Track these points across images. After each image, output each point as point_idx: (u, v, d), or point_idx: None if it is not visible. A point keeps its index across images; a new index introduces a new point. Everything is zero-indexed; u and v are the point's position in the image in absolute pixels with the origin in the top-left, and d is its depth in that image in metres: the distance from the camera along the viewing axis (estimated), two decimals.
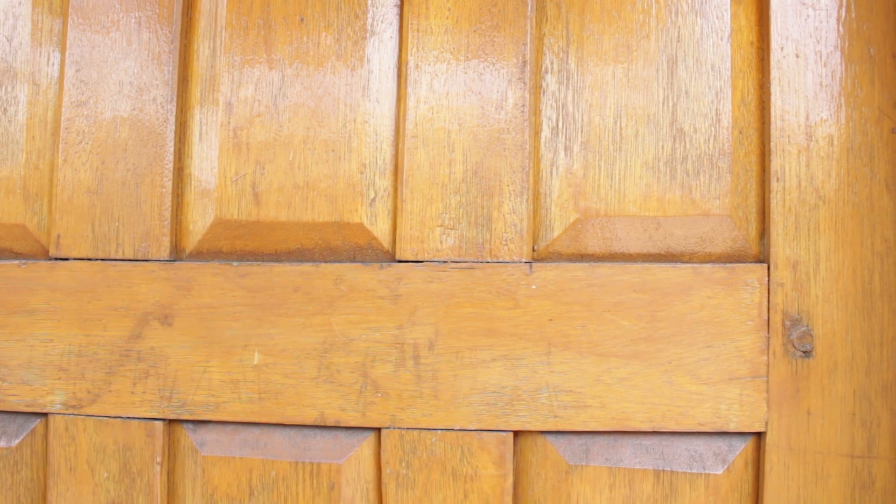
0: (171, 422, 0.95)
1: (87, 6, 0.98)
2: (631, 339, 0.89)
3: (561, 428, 0.89)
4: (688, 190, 0.91)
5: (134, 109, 0.96)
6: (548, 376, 0.89)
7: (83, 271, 0.95)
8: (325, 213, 0.94)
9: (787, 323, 0.88)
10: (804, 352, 0.87)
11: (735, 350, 0.88)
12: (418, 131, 0.92)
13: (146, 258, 0.95)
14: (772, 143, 0.89)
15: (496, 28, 0.92)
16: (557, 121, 0.93)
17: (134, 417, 0.94)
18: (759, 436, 0.89)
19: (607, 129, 0.92)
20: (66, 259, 0.96)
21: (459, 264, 0.91)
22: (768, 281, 0.88)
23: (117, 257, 0.95)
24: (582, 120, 0.93)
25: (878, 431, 0.87)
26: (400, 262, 0.92)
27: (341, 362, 0.91)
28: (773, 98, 0.89)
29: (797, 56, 0.89)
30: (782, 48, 0.89)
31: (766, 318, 0.88)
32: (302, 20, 0.96)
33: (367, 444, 0.93)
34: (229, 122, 0.96)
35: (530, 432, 0.91)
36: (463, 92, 0.92)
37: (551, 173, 0.93)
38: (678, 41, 0.92)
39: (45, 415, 0.97)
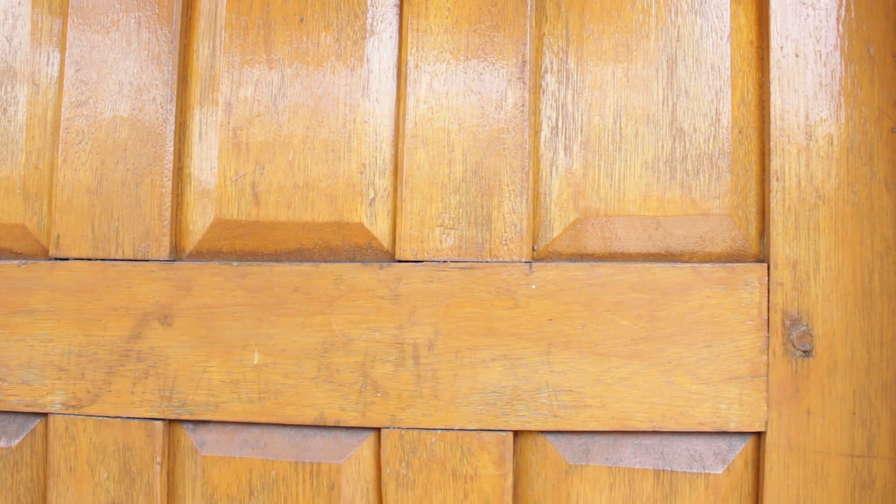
0: (170, 422, 0.95)
1: (87, 6, 0.98)
2: (631, 338, 0.89)
3: (561, 428, 0.89)
4: (687, 189, 0.91)
5: (134, 109, 0.96)
6: (548, 376, 0.89)
7: (83, 271, 0.95)
8: (324, 213, 0.94)
9: (787, 322, 0.88)
10: (804, 351, 0.87)
11: (735, 350, 0.88)
12: (418, 131, 0.92)
13: (146, 258, 0.95)
14: (771, 143, 0.88)
15: (496, 28, 0.92)
16: (557, 120, 0.93)
17: (134, 417, 0.94)
18: (759, 435, 0.89)
19: (607, 128, 0.92)
20: (66, 259, 0.96)
21: (459, 264, 0.91)
22: (768, 280, 0.88)
23: (117, 257, 0.96)
24: (581, 119, 0.93)
25: (877, 431, 0.87)
26: (400, 261, 0.92)
27: (341, 362, 0.91)
28: (772, 97, 0.89)
29: (797, 55, 0.89)
30: (782, 47, 0.89)
31: (766, 317, 0.88)
32: (301, 20, 0.96)
33: (366, 443, 0.93)
34: (229, 122, 0.96)
35: (530, 432, 0.91)
36: (462, 92, 0.92)
37: (551, 173, 0.93)
38: (678, 41, 0.92)
39: (45, 415, 0.97)
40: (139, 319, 0.94)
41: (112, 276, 0.95)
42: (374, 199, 0.94)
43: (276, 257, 0.95)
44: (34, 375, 0.95)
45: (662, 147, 0.91)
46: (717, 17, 0.91)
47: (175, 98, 0.96)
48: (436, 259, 0.91)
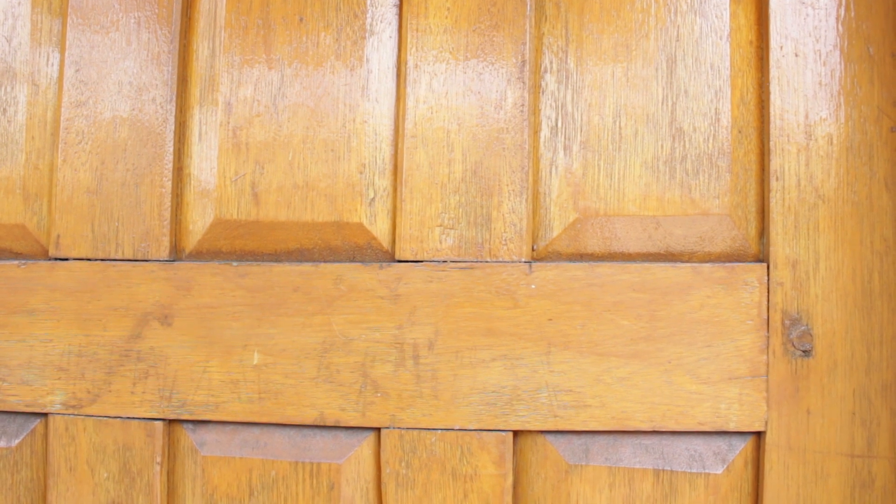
0: (170, 422, 0.95)
1: (87, 6, 0.98)
2: (631, 338, 0.89)
3: (561, 427, 0.89)
4: (687, 189, 0.91)
5: (133, 109, 0.96)
6: (547, 376, 0.89)
7: (83, 271, 0.95)
8: (324, 213, 0.94)
9: (787, 322, 0.87)
10: (804, 351, 0.87)
11: (735, 349, 0.88)
12: (417, 131, 0.92)
13: (146, 258, 0.95)
14: (771, 143, 0.88)
15: (495, 28, 0.92)
16: (557, 120, 0.93)
17: (134, 417, 0.94)
18: (759, 435, 0.89)
19: (606, 128, 0.92)
20: (66, 259, 0.96)
21: (459, 264, 0.91)
22: (768, 280, 0.88)
23: (117, 257, 0.96)
24: (581, 119, 0.93)
25: (877, 431, 0.87)
26: (399, 261, 0.92)
27: (341, 362, 0.92)
28: (772, 97, 0.89)
29: (796, 55, 0.89)
30: (781, 47, 0.89)
31: (766, 317, 0.88)
32: (301, 20, 0.96)
33: (366, 443, 0.93)
34: (229, 122, 0.96)
35: (530, 432, 0.91)
36: (462, 91, 0.92)
37: (550, 173, 0.93)
38: (677, 40, 0.92)
39: (44, 415, 0.97)
40: (139, 319, 0.94)
41: (112, 277, 0.95)
42: (373, 199, 0.94)
43: (276, 257, 0.95)
44: (34, 375, 0.95)
45: (662, 147, 0.91)
46: (716, 16, 0.91)
47: (175, 98, 0.96)
48: (435, 259, 0.91)
